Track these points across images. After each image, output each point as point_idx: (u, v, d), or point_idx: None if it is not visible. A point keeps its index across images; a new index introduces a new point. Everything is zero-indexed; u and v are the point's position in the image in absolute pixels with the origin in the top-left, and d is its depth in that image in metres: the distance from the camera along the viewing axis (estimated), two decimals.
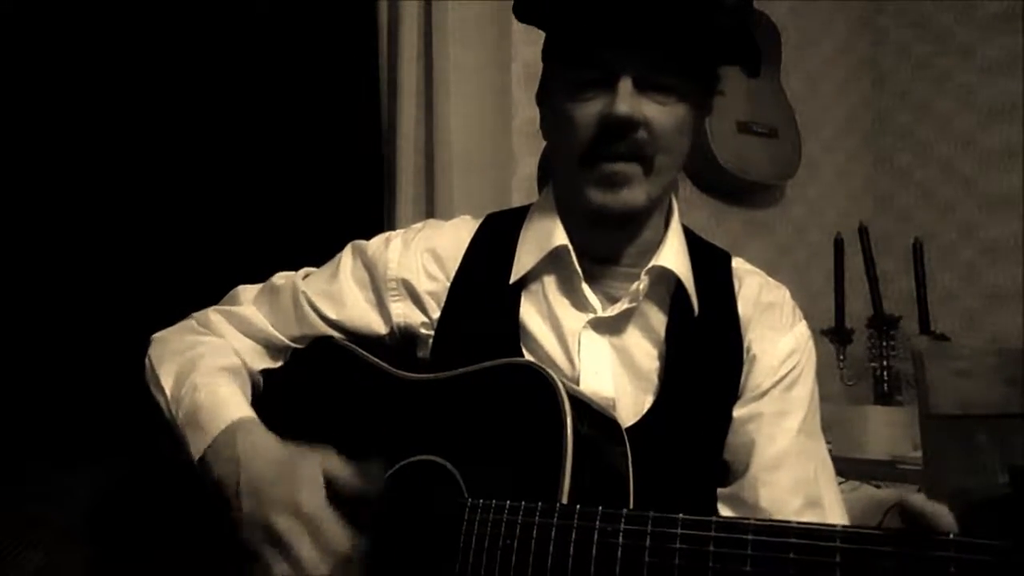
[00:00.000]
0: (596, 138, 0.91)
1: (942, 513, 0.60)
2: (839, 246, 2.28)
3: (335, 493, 0.83)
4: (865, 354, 2.32)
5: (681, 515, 0.69)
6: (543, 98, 1.03)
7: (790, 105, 2.55)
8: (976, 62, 2.73)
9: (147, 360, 1.02)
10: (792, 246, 2.73)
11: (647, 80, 0.90)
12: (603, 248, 1.00)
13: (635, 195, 0.93)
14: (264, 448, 0.88)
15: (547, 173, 1.90)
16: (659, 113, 0.91)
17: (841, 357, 2.26)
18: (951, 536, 0.58)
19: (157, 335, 1.06)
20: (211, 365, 0.98)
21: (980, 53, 2.72)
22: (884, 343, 2.27)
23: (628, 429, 0.92)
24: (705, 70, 0.95)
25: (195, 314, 1.09)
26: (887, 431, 2.07)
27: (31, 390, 1.47)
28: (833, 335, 2.26)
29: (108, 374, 1.38)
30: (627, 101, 0.88)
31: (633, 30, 0.88)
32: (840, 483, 1.01)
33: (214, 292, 1.14)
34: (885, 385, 2.24)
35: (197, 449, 0.90)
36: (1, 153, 1.51)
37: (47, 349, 1.52)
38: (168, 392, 0.96)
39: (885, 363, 2.26)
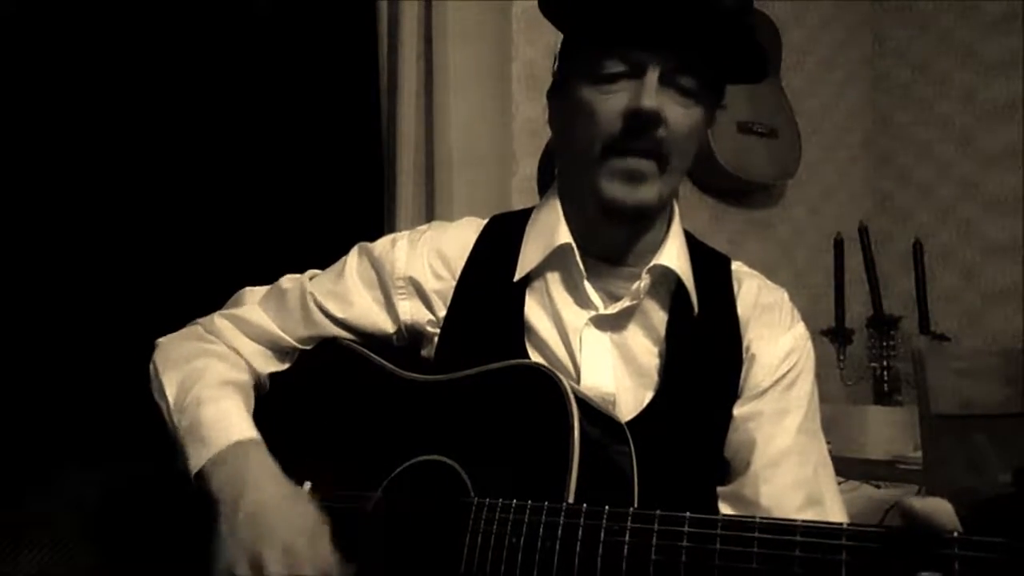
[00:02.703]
0: (620, 131, 0.92)
1: (940, 509, 0.60)
2: (839, 246, 2.29)
3: None
4: (865, 354, 2.33)
5: (688, 514, 0.69)
6: (558, 93, 1.03)
7: (790, 105, 2.56)
8: (976, 62, 2.73)
9: (151, 365, 1.02)
10: (792, 246, 2.73)
11: (671, 78, 0.92)
12: (606, 247, 1.01)
13: (650, 192, 0.95)
14: (271, 477, 0.89)
15: (547, 173, 1.91)
16: (679, 114, 0.93)
17: (841, 357, 2.26)
18: (956, 534, 0.58)
19: (162, 340, 1.07)
20: (216, 378, 0.98)
21: (980, 53, 2.72)
22: (884, 343, 2.27)
23: (628, 423, 0.92)
24: (717, 78, 0.97)
25: (200, 320, 1.10)
26: (887, 431, 2.08)
27: (33, 391, 1.47)
28: (833, 335, 2.27)
29: (111, 376, 1.38)
30: (652, 96, 0.90)
31: (662, 26, 0.90)
32: (840, 483, 1.01)
33: (214, 292, 1.14)
34: (885, 385, 2.25)
35: (196, 461, 0.90)
36: (3, 155, 1.51)
37: (50, 351, 1.52)
38: (171, 400, 0.96)
39: (885, 363, 2.26)
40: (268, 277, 1.12)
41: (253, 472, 0.88)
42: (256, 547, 0.81)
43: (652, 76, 0.91)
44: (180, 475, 0.92)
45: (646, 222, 1.00)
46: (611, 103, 0.92)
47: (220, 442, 0.90)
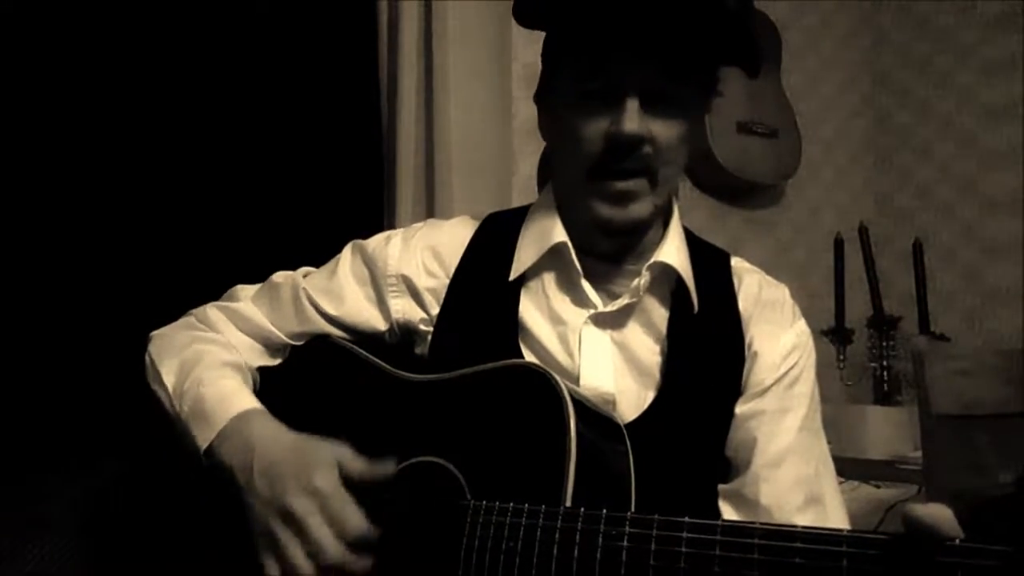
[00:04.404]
0: (603, 154, 0.91)
1: (945, 518, 0.59)
2: (839, 246, 2.29)
3: (347, 480, 0.84)
4: (865, 354, 2.33)
5: (687, 519, 0.69)
6: (542, 99, 1.03)
7: (790, 105, 2.56)
8: (976, 62, 2.73)
9: (147, 356, 1.02)
10: (792, 246, 2.73)
11: (653, 96, 0.90)
12: (604, 250, 1.01)
13: (642, 208, 0.94)
14: (277, 434, 0.89)
15: (547, 173, 1.91)
16: (664, 129, 0.91)
17: (841, 357, 2.26)
18: (958, 542, 0.57)
19: (156, 332, 1.07)
20: (213, 360, 0.99)
21: (980, 53, 2.72)
22: (884, 343, 2.27)
23: (630, 425, 0.92)
24: (708, 75, 0.96)
25: (193, 311, 1.10)
26: (887, 431, 2.07)
27: (31, 390, 1.47)
28: (833, 335, 2.27)
29: (108, 373, 1.38)
30: (635, 119, 0.89)
31: (639, 41, 0.88)
32: (840, 483, 1.00)
33: (214, 292, 1.14)
34: (885, 385, 2.25)
35: (204, 440, 0.90)
36: (3, 154, 1.51)
37: (47, 348, 1.52)
38: (170, 387, 0.96)
39: (885, 363, 2.26)
40: (267, 276, 1.12)
41: (258, 435, 0.88)
42: (281, 502, 0.82)
43: (632, 99, 0.89)
44: (177, 469, 0.92)
45: (643, 232, 1.00)
46: (592, 126, 0.91)
47: (224, 417, 0.91)
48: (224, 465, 0.88)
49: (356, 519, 0.81)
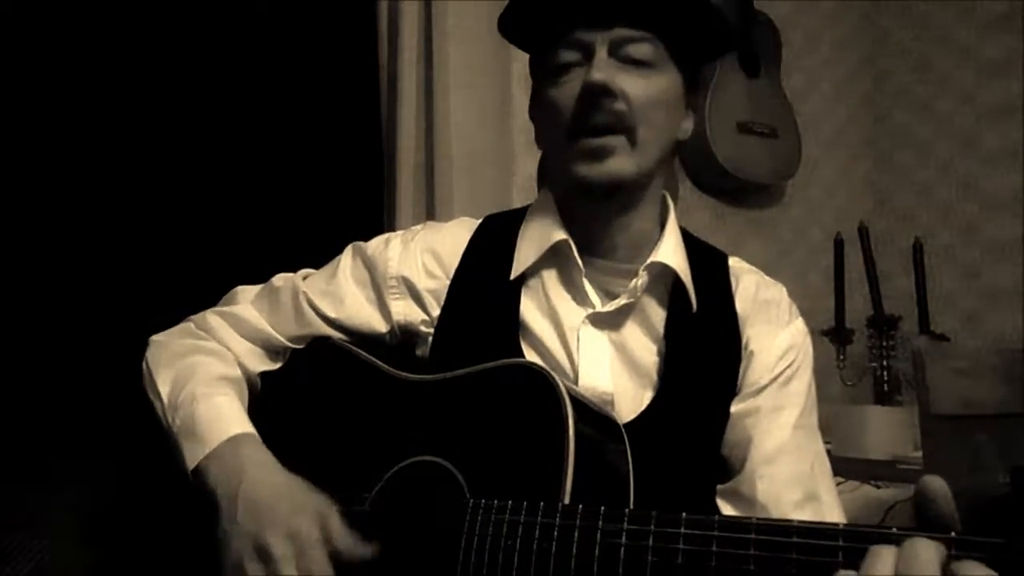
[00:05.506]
0: (576, 112, 0.93)
1: (953, 511, 0.60)
2: (839, 246, 2.28)
3: (326, 538, 0.83)
4: (865, 354, 2.32)
5: (684, 514, 0.69)
6: (535, 110, 1.04)
7: (790, 105, 2.56)
8: (976, 62, 2.73)
9: (144, 363, 1.02)
10: (792, 246, 2.73)
11: (622, 51, 0.93)
12: (599, 237, 1.00)
13: (621, 165, 0.94)
14: (268, 467, 0.89)
15: (547, 173, 1.91)
16: (636, 85, 0.93)
17: (841, 357, 2.26)
18: (951, 534, 0.58)
19: (155, 337, 1.07)
20: (209, 373, 0.98)
21: (980, 53, 2.72)
22: (884, 343, 2.27)
23: (628, 425, 0.92)
24: (680, 47, 0.96)
25: (193, 317, 1.10)
26: (887, 431, 2.07)
27: (31, 390, 1.48)
28: (833, 335, 2.26)
29: (108, 374, 1.38)
30: (603, 70, 0.91)
31: (606, 6, 0.91)
32: (840, 483, 1.01)
33: (214, 292, 1.14)
34: (885, 385, 2.24)
35: (192, 459, 0.90)
36: (3, 154, 1.52)
37: (48, 349, 1.52)
38: (165, 398, 0.96)
39: (885, 363, 2.26)
40: (268, 277, 1.12)
41: (249, 464, 0.88)
42: (260, 536, 0.81)
43: (600, 52, 0.92)
44: (177, 473, 0.92)
45: (626, 200, 0.99)
46: (566, 89, 0.94)
47: (215, 438, 0.90)
48: (209, 488, 0.88)
49: (324, 573, 0.80)
